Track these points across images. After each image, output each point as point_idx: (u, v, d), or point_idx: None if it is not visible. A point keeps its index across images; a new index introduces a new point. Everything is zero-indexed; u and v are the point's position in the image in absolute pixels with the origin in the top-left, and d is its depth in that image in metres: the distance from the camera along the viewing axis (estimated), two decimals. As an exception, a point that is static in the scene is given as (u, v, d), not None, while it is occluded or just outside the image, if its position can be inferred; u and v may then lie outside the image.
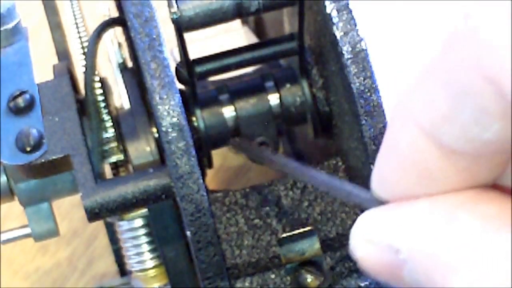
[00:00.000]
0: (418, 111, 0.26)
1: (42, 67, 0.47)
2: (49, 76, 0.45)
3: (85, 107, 0.44)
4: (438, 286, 0.26)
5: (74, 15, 0.49)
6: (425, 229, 0.27)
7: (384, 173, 0.28)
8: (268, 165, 0.40)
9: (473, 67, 0.24)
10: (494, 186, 0.28)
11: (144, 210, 0.44)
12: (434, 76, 0.25)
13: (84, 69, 0.45)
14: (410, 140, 0.26)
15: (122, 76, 0.47)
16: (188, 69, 0.43)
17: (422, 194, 0.27)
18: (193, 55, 0.43)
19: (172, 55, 0.48)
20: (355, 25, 0.40)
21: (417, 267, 0.27)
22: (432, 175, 0.27)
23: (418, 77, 0.26)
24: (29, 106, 0.43)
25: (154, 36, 0.40)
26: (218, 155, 0.57)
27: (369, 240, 0.29)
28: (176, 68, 0.43)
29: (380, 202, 0.29)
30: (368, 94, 0.40)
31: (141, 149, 0.44)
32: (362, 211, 0.29)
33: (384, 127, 0.40)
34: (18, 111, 0.42)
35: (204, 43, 0.56)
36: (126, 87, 0.46)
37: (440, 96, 0.25)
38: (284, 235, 0.43)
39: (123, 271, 0.54)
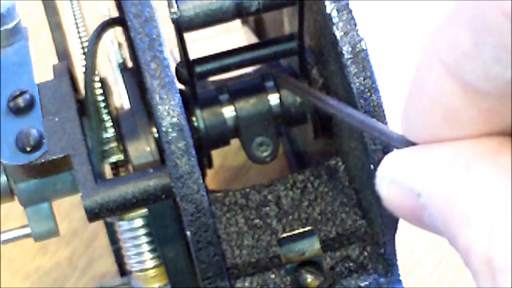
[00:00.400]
0: (443, 50, 0.26)
1: (42, 67, 0.47)
2: (49, 76, 0.45)
3: (85, 107, 0.44)
4: (453, 234, 0.26)
5: (74, 15, 0.49)
6: (445, 176, 0.27)
7: (411, 114, 0.29)
8: (305, 98, 0.41)
9: (494, 4, 0.24)
10: None
11: (144, 210, 0.44)
12: (458, 15, 0.25)
13: (84, 69, 0.45)
14: (436, 80, 0.27)
15: (122, 76, 0.47)
16: (188, 69, 0.43)
17: (447, 137, 0.28)
18: (193, 55, 0.43)
19: (172, 55, 0.48)
20: (355, 25, 0.40)
21: (435, 213, 0.27)
22: (457, 116, 0.27)
23: (443, 18, 0.26)
24: (29, 106, 0.43)
25: (154, 36, 0.40)
26: (218, 155, 0.57)
27: (393, 180, 0.29)
28: (176, 68, 0.43)
29: (409, 144, 0.29)
30: (368, 94, 0.40)
31: (141, 149, 0.44)
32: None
33: (384, 127, 0.40)
34: (18, 111, 0.42)
35: (204, 43, 0.56)
36: (126, 87, 0.46)
37: (463, 34, 0.25)
38: (284, 235, 0.43)
39: (123, 271, 0.54)
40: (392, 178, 0.29)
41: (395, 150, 0.30)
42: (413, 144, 0.29)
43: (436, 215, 0.27)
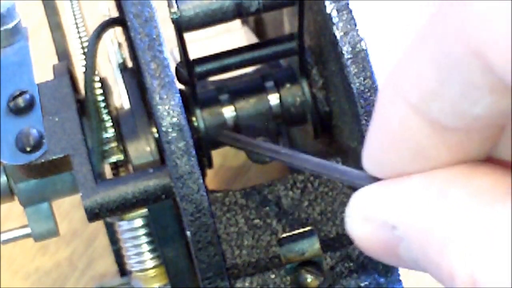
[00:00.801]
0: (406, 87, 0.25)
1: (42, 67, 0.47)
2: (49, 76, 0.45)
3: (85, 107, 0.44)
4: (434, 262, 0.26)
5: (74, 15, 0.49)
6: (419, 205, 0.26)
7: (375, 151, 0.28)
8: (260, 152, 0.40)
9: (460, 40, 0.23)
10: (488, 159, 0.27)
11: (144, 210, 0.44)
12: (421, 49, 0.25)
13: (84, 69, 0.45)
14: (400, 117, 0.26)
15: (122, 76, 0.47)
16: (188, 69, 0.43)
17: (415, 171, 0.27)
18: (193, 55, 0.43)
19: (172, 55, 0.48)
20: (355, 25, 0.40)
21: (412, 244, 0.27)
22: (424, 152, 0.26)
23: (405, 51, 0.26)
24: (29, 106, 0.43)
25: (154, 36, 0.40)
26: (218, 155, 0.57)
27: (365, 217, 0.28)
28: (176, 68, 0.43)
29: (374, 180, 0.28)
30: (368, 94, 0.40)
31: (141, 149, 0.44)
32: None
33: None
34: (18, 111, 0.42)
35: (204, 43, 0.56)
36: (126, 87, 0.46)
37: (428, 70, 0.24)
38: (284, 235, 0.43)
39: (123, 271, 0.54)
40: (364, 216, 0.28)
41: (362, 188, 0.29)
42: (379, 180, 0.28)
43: (414, 246, 0.27)
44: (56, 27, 0.50)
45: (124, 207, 0.41)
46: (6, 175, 0.44)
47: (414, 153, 0.26)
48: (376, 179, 0.28)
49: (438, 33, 0.24)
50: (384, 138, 0.27)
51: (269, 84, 0.45)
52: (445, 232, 0.25)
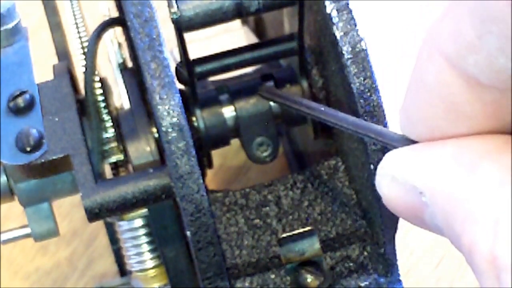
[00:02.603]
0: (444, 41, 0.25)
1: (42, 67, 0.47)
2: (49, 76, 0.45)
3: (85, 107, 0.44)
4: (456, 233, 0.26)
5: (74, 15, 0.49)
6: (449, 174, 0.26)
7: (412, 109, 0.28)
8: (297, 108, 0.40)
9: None
10: None
11: (144, 210, 0.44)
12: (460, 4, 0.25)
13: (84, 69, 0.45)
14: (437, 73, 0.26)
15: (122, 76, 0.47)
16: (188, 69, 0.43)
17: (450, 133, 0.27)
18: (193, 55, 0.43)
19: (172, 55, 0.48)
20: (355, 25, 0.40)
21: (437, 212, 0.27)
22: (459, 110, 0.26)
23: (445, 7, 0.25)
24: (29, 106, 0.43)
25: (154, 36, 0.40)
26: (218, 155, 0.57)
27: (395, 178, 0.29)
28: (176, 68, 0.43)
29: (409, 142, 0.28)
30: (368, 94, 0.40)
31: (141, 149, 0.44)
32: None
33: (385, 127, 0.40)
34: (18, 111, 0.42)
35: (204, 43, 0.56)
36: (126, 87, 0.46)
37: (466, 23, 0.24)
38: (284, 235, 0.43)
39: (123, 271, 0.54)
40: (393, 176, 0.29)
41: (395, 148, 0.29)
42: (414, 142, 0.28)
43: (439, 214, 0.27)
44: (56, 27, 0.50)
45: (124, 207, 0.41)
46: (6, 175, 0.44)
47: (449, 110, 0.26)
48: (411, 142, 0.28)
49: None
50: (420, 93, 0.27)
51: (269, 84, 0.45)
52: (471, 205, 0.25)
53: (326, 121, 0.37)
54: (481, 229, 0.25)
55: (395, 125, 0.42)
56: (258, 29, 0.56)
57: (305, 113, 0.40)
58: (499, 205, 0.25)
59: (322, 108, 0.37)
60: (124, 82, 0.47)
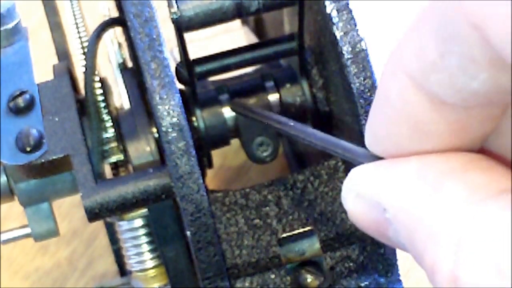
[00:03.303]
0: (407, 60, 0.25)
1: (42, 67, 0.47)
2: (49, 76, 0.45)
3: (85, 107, 0.44)
4: (419, 252, 0.26)
5: (74, 15, 0.49)
6: (412, 192, 0.26)
7: (376, 127, 0.28)
8: (267, 122, 0.40)
9: (460, 12, 0.23)
10: (484, 152, 0.27)
11: (144, 210, 0.44)
12: (424, 23, 0.25)
13: (84, 69, 0.45)
14: (400, 91, 0.26)
15: (122, 76, 0.47)
16: (188, 69, 0.43)
17: (414, 151, 0.27)
18: (193, 55, 0.43)
19: (172, 55, 0.48)
20: (355, 25, 0.40)
21: (401, 230, 0.27)
22: (424, 128, 0.26)
23: (409, 27, 0.26)
24: (29, 106, 0.43)
25: (154, 36, 0.40)
26: (218, 155, 0.57)
27: (359, 194, 0.28)
28: (176, 68, 0.43)
29: (375, 158, 0.28)
30: (368, 94, 0.40)
31: (141, 149, 0.44)
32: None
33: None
34: (18, 111, 0.42)
35: (204, 43, 0.56)
36: (126, 87, 0.46)
37: (429, 43, 0.25)
38: (284, 235, 0.43)
39: (123, 271, 0.54)
40: (358, 192, 0.29)
41: (360, 164, 0.29)
42: (379, 158, 0.28)
43: (402, 231, 0.27)
44: (56, 27, 0.50)
45: (124, 207, 0.41)
46: (6, 175, 0.44)
47: (414, 128, 0.26)
48: (376, 158, 0.28)
49: (440, 6, 0.24)
50: (385, 112, 0.27)
51: (269, 84, 0.45)
52: (433, 224, 0.25)
53: (294, 136, 0.37)
54: (443, 249, 0.25)
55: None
56: (258, 29, 0.56)
57: (274, 127, 0.40)
58: (462, 224, 0.24)
59: (292, 124, 0.37)
60: (124, 82, 0.47)
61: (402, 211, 0.26)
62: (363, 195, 0.28)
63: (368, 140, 0.29)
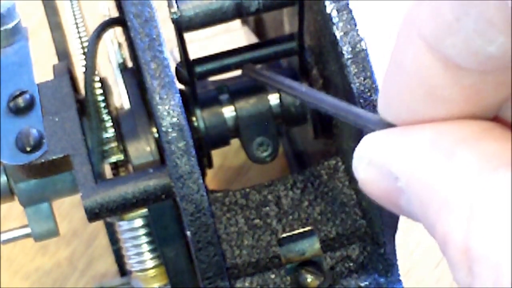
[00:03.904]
0: (423, 22, 0.25)
1: (42, 67, 0.47)
2: (49, 76, 0.45)
3: (85, 107, 0.44)
4: (431, 221, 0.25)
5: (74, 15, 0.49)
6: (425, 161, 0.26)
7: (390, 92, 0.27)
8: (278, 87, 0.39)
9: None
10: (497, 120, 0.27)
11: (144, 210, 0.44)
12: None
13: (84, 69, 0.45)
14: (415, 55, 0.25)
15: (122, 76, 0.47)
16: (188, 69, 0.43)
17: (428, 117, 0.26)
18: (193, 55, 0.43)
19: (172, 55, 0.48)
20: (355, 25, 0.40)
21: (413, 198, 0.26)
22: (438, 93, 0.26)
23: None
24: (29, 106, 0.43)
25: (154, 36, 0.40)
26: (218, 155, 0.57)
27: (371, 162, 0.28)
28: (176, 68, 0.43)
29: (387, 125, 0.28)
30: (368, 94, 0.40)
31: (141, 149, 0.44)
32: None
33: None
34: (18, 111, 0.42)
35: (204, 43, 0.56)
36: (126, 87, 0.46)
37: (445, 5, 0.24)
38: (284, 235, 0.43)
39: (123, 271, 0.54)
40: (370, 160, 0.28)
41: (373, 131, 0.29)
42: (392, 126, 0.28)
43: (414, 200, 0.26)
44: (56, 27, 0.50)
45: (124, 207, 0.41)
46: (6, 175, 0.44)
47: (428, 93, 0.26)
48: (389, 125, 0.28)
49: None
50: (399, 77, 0.27)
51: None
52: (446, 193, 0.25)
53: (306, 101, 0.36)
54: (455, 219, 0.24)
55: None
56: (258, 29, 0.56)
57: (286, 92, 0.39)
58: (475, 194, 0.24)
59: (303, 89, 0.37)
60: (124, 82, 0.47)
61: (414, 179, 0.26)
62: (375, 163, 0.28)
63: (381, 106, 0.28)
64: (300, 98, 0.37)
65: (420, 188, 0.26)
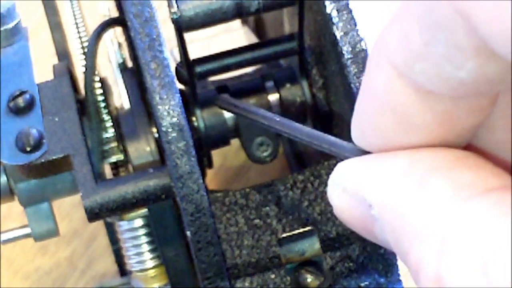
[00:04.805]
0: (391, 49, 0.25)
1: (42, 67, 0.47)
2: (49, 76, 0.45)
3: (85, 107, 0.44)
4: (404, 250, 0.25)
5: (74, 15, 0.49)
6: (398, 188, 0.25)
7: (362, 119, 0.27)
8: (253, 118, 0.40)
9: (445, 0, 0.22)
10: (476, 150, 0.26)
11: (144, 210, 0.44)
12: (408, 11, 0.24)
13: (84, 69, 0.45)
14: (385, 81, 0.25)
15: (122, 76, 0.47)
16: (188, 69, 0.43)
17: (401, 144, 0.26)
18: (193, 55, 0.43)
19: (172, 55, 0.48)
20: (355, 25, 0.40)
21: (386, 227, 0.26)
22: (410, 120, 0.25)
23: (393, 14, 0.25)
24: (29, 106, 0.43)
25: (154, 36, 0.40)
26: (218, 155, 0.57)
27: (345, 189, 0.28)
28: (176, 68, 0.43)
29: (361, 153, 0.28)
30: (368, 94, 0.40)
31: (141, 149, 0.44)
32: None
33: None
34: (18, 111, 0.42)
35: (204, 43, 0.56)
36: (126, 87, 0.46)
37: (413, 30, 0.24)
38: (284, 235, 0.43)
39: (123, 271, 0.54)
40: (344, 187, 0.28)
41: (347, 159, 0.28)
42: (367, 153, 0.28)
43: (387, 229, 0.26)
44: (56, 27, 0.50)
45: (124, 207, 0.41)
46: (6, 175, 0.44)
47: (400, 120, 0.26)
48: (363, 153, 0.28)
49: None
50: (370, 104, 0.26)
51: (269, 84, 0.45)
52: (418, 222, 0.25)
53: (281, 131, 0.36)
54: (427, 249, 0.24)
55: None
56: (258, 29, 0.56)
57: (260, 124, 0.39)
58: (446, 223, 0.24)
59: (277, 119, 0.37)
60: (124, 82, 0.47)
61: (387, 207, 0.26)
62: (349, 190, 0.28)
63: (354, 133, 0.28)
64: (274, 128, 0.37)
65: (393, 217, 0.26)
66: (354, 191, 0.27)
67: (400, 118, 0.26)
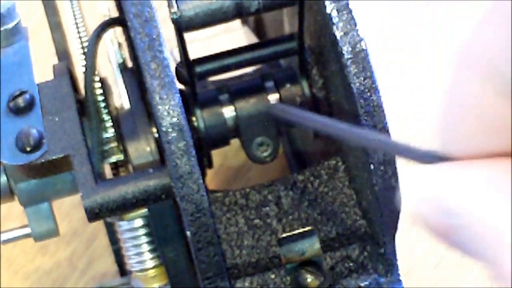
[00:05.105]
0: (479, 54, 0.24)
1: (42, 67, 0.47)
2: (49, 76, 0.45)
3: (85, 107, 0.44)
4: (497, 262, 0.25)
5: (74, 15, 0.49)
6: (488, 200, 0.25)
7: (453, 126, 0.26)
8: (313, 128, 0.38)
9: None
10: None
11: (144, 210, 0.44)
12: (494, 14, 0.24)
13: (84, 69, 0.45)
14: (474, 87, 0.25)
15: (122, 76, 0.47)
16: (188, 69, 0.43)
17: (491, 152, 0.26)
18: (193, 55, 0.43)
19: (172, 55, 0.48)
20: (355, 25, 0.40)
21: (473, 237, 0.26)
22: (500, 126, 0.25)
23: (479, 19, 0.24)
24: (29, 106, 0.43)
25: (154, 36, 0.40)
26: (218, 155, 0.57)
27: (427, 198, 0.27)
28: (176, 68, 0.43)
29: (440, 160, 0.27)
30: (368, 94, 0.40)
31: (141, 149, 0.44)
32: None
33: (384, 127, 0.40)
34: (18, 111, 0.42)
35: (204, 43, 0.56)
36: (126, 87, 0.46)
37: (501, 34, 0.23)
38: (284, 235, 0.43)
39: (123, 271, 0.54)
40: (426, 196, 0.27)
41: (424, 165, 0.28)
42: (447, 160, 0.27)
43: (474, 239, 0.25)
44: (56, 27, 0.50)
45: (124, 207, 0.41)
46: (6, 175, 0.44)
47: (490, 127, 0.25)
48: (442, 160, 0.27)
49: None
50: (461, 112, 0.26)
51: (269, 84, 0.45)
52: (504, 229, 0.24)
53: (347, 139, 0.35)
54: None
55: (394, 125, 0.42)
56: (258, 29, 0.56)
57: (322, 131, 0.38)
58: None
59: (341, 126, 0.35)
60: (124, 82, 0.47)
61: (475, 218, 0.25)
62: (432, 199, 0.27)
63: (443, 140, 0.27)
64: (341, 136, 0.36)
65: (482, 228, 0.25)
66: (438, 199, 0.27)
67: (490, 125, 0.25)
